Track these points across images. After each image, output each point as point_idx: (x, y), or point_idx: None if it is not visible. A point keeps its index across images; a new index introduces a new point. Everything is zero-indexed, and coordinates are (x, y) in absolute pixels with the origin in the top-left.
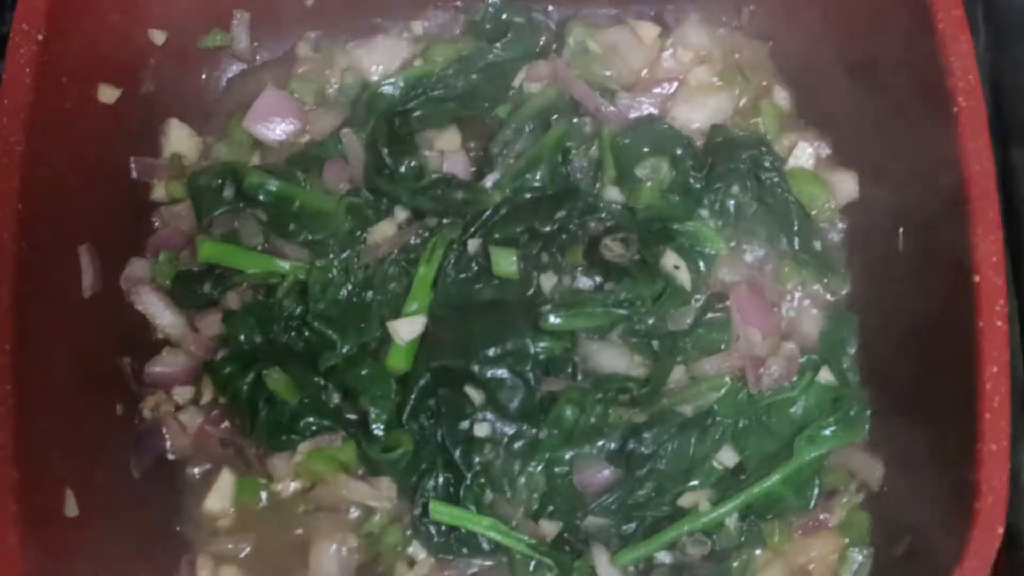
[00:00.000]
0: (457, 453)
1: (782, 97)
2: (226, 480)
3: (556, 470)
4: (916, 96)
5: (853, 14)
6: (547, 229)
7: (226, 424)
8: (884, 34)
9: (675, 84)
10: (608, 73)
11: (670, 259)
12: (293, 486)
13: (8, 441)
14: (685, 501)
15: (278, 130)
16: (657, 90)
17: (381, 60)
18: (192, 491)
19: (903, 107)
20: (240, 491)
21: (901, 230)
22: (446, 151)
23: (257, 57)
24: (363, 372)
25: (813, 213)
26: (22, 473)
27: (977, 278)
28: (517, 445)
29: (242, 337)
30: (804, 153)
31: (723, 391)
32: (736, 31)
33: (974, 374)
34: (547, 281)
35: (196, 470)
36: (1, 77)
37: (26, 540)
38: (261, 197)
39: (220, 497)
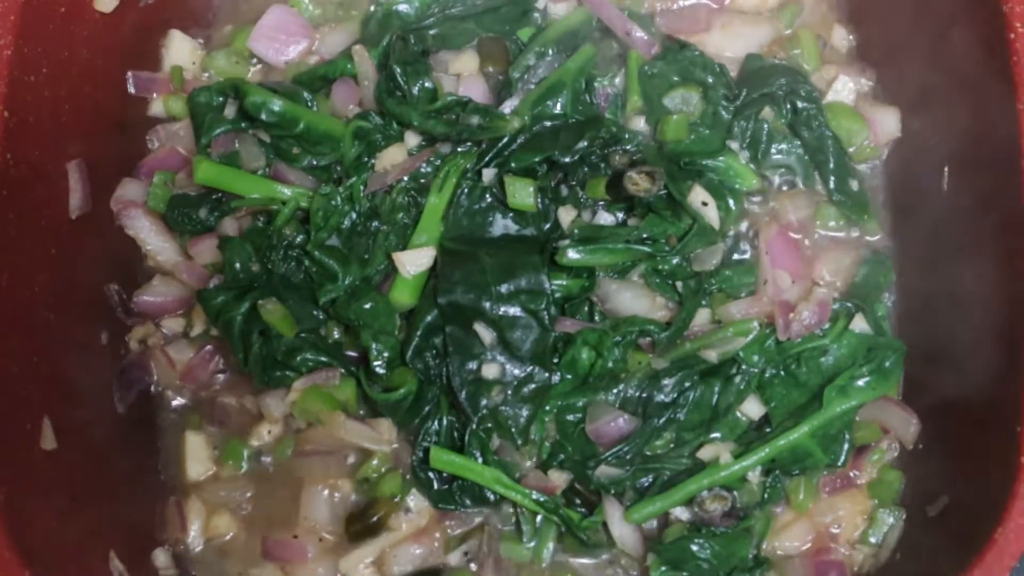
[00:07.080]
0: (463, 395)
1: (842, 35)
2: (194, 443)
3: (568, 417)
4: (968, 22)
5: None
6: (567, 160)
7: (218, 360)
8: None
9: (711, 10)
10: None
11: (698, 195)
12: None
13: None
14: (705, 454)
15: (287, 50)
16: (690, 17)
17: None
18: (176, 433)
19: (953, 36)
20: (221, 453)
21: (946, 169)
22: (463, 74)
23: None
24: (366, 306)
25: (851, 150)
26: None
27: None
28: (528, 389)
29: (238, 265)
30: (845, 87)
31: (750, 337)
32: None
33: (1021, 321)
34: (566, 215)
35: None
36: None
37: None
38: (264, 117)
39: (198, 461)
